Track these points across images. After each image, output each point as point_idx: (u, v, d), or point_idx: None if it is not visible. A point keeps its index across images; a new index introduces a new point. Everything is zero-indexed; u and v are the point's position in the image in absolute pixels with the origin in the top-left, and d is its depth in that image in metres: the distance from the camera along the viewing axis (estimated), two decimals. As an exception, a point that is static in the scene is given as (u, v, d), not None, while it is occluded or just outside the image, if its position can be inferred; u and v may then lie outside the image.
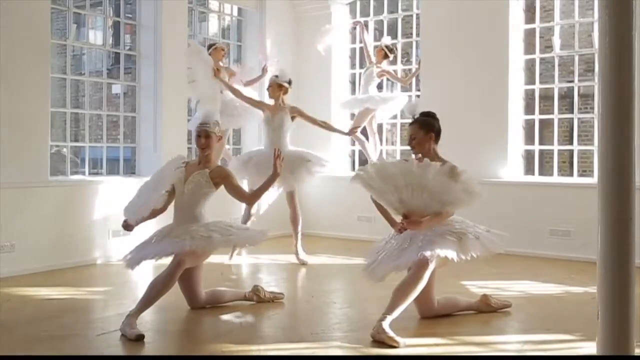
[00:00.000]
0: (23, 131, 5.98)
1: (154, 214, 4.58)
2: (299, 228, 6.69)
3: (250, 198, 5.00)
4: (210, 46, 7.40)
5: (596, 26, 7.22)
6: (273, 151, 4.74)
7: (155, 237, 4.46)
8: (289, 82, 6.68)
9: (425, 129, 4.35)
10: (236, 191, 4.62)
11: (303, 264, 6.52)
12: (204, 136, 4.56)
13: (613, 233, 2.49)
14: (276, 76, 6.69)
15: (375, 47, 8.12)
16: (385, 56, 7.95)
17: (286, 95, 6.67)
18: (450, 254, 4.03)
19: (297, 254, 6.64)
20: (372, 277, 4.27)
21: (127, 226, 4.48)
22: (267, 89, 6.77)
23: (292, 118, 6.62)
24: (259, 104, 6.90)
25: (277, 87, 6.59)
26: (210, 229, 4.39)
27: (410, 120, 4.48)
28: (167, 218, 4.68)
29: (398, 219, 4.21)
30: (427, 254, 4.00)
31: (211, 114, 4.69)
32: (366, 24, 8.65)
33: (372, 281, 4.31)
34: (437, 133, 4.40)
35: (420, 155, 4.39)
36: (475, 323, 4.32)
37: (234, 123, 7.49)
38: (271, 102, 6.73)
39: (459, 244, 4.08)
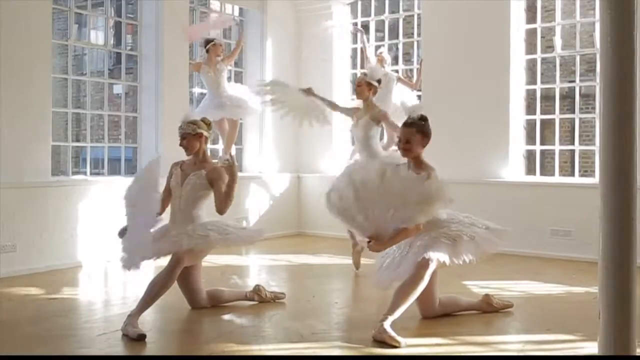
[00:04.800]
0: (24, 131, 5.99)
1: None
2: None
3: (221, 209, 4.43)
4: (208, 42, 7.46)
5: (597, 26, 7.21)
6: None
7: (152, 238, 4.43)
8: (379, 82, 6.01)
9: (421, 134, 4.25)
10: (218, 194, 4.43)
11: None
12: (181, 139, 4.57)
13: (615, 233, 2.49)
14: (365, 74, 6.03)
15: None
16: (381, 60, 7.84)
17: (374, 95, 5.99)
18: (443, 257, 4.03)
19: None
20: (378, 285, 4.33)
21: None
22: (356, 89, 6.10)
23: (378, 122, 5.91)
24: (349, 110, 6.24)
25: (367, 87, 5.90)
26: (208, 228, 4.38)
27: (404, 122, 4.31)
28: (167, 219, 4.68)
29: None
30: (420, 258, 4.02)
31: (188, 116, 4.66)
32: (367, 25, 8.64)
33: (378, 289, 4.36)
34: (429, 139, 4.30)
35: (409, 159, 4.26)
36: (476, 323, 4.32)
37: (233, 114, 7.49)
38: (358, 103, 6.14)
39: (452, 247, 4.08)
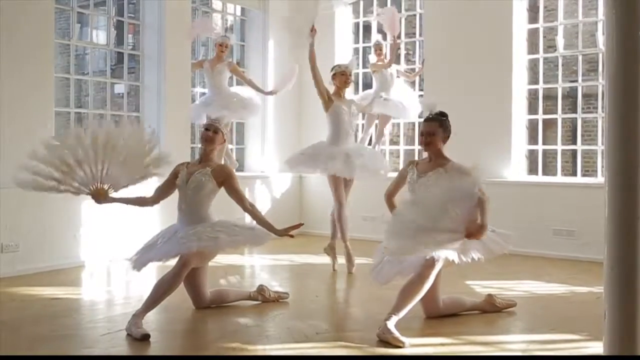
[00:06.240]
0: (26, 131, 5.98)
1: (140, 201, 4.62)
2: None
3: (248, 208, 4.53)
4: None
5: (600, 26, 7.23)
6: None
7: (161, 239, 4.44)
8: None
9: (443, 128, 4.35)
10: (236, 193, 4.51)
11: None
12: (213, 130, 4.54)
13: (620, 233, 2.49)
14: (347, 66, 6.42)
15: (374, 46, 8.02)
16: (380, 53, 7.88)
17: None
18: (452, 255, 4.03)
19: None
20: (377, 279, 4.30)
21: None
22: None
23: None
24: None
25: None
26: (217, 230, 4.35)
27: (426, 117, 4.43)
28: (170, 218, 4.69)
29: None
30: (428, 257, 4.01)
31: (222, 118, 4.75)
32: (369, 24, 8.64)
33: (377, 284, 4.33)
34: (449, 135, 4.42)
35: (429, 153, 4.37)
36: (480, 323, 4.32)
37: (235, 116, 7.52)
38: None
39: (461, 245, 4.08)
